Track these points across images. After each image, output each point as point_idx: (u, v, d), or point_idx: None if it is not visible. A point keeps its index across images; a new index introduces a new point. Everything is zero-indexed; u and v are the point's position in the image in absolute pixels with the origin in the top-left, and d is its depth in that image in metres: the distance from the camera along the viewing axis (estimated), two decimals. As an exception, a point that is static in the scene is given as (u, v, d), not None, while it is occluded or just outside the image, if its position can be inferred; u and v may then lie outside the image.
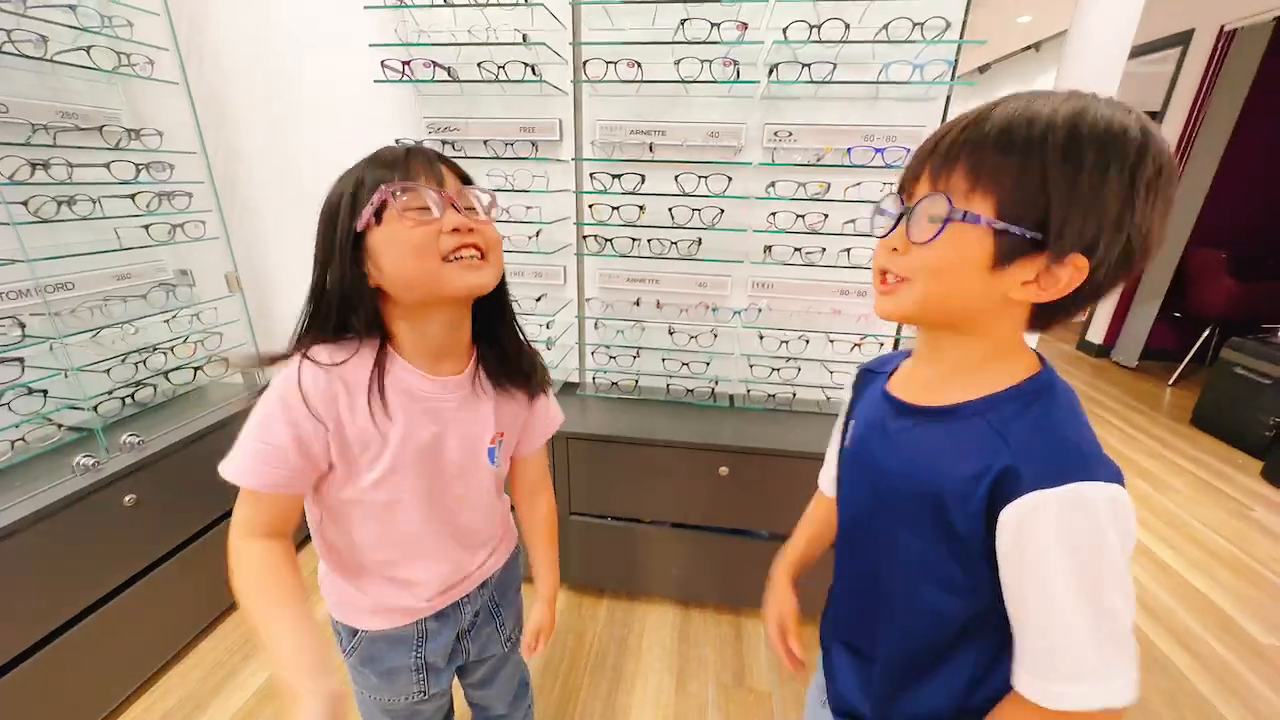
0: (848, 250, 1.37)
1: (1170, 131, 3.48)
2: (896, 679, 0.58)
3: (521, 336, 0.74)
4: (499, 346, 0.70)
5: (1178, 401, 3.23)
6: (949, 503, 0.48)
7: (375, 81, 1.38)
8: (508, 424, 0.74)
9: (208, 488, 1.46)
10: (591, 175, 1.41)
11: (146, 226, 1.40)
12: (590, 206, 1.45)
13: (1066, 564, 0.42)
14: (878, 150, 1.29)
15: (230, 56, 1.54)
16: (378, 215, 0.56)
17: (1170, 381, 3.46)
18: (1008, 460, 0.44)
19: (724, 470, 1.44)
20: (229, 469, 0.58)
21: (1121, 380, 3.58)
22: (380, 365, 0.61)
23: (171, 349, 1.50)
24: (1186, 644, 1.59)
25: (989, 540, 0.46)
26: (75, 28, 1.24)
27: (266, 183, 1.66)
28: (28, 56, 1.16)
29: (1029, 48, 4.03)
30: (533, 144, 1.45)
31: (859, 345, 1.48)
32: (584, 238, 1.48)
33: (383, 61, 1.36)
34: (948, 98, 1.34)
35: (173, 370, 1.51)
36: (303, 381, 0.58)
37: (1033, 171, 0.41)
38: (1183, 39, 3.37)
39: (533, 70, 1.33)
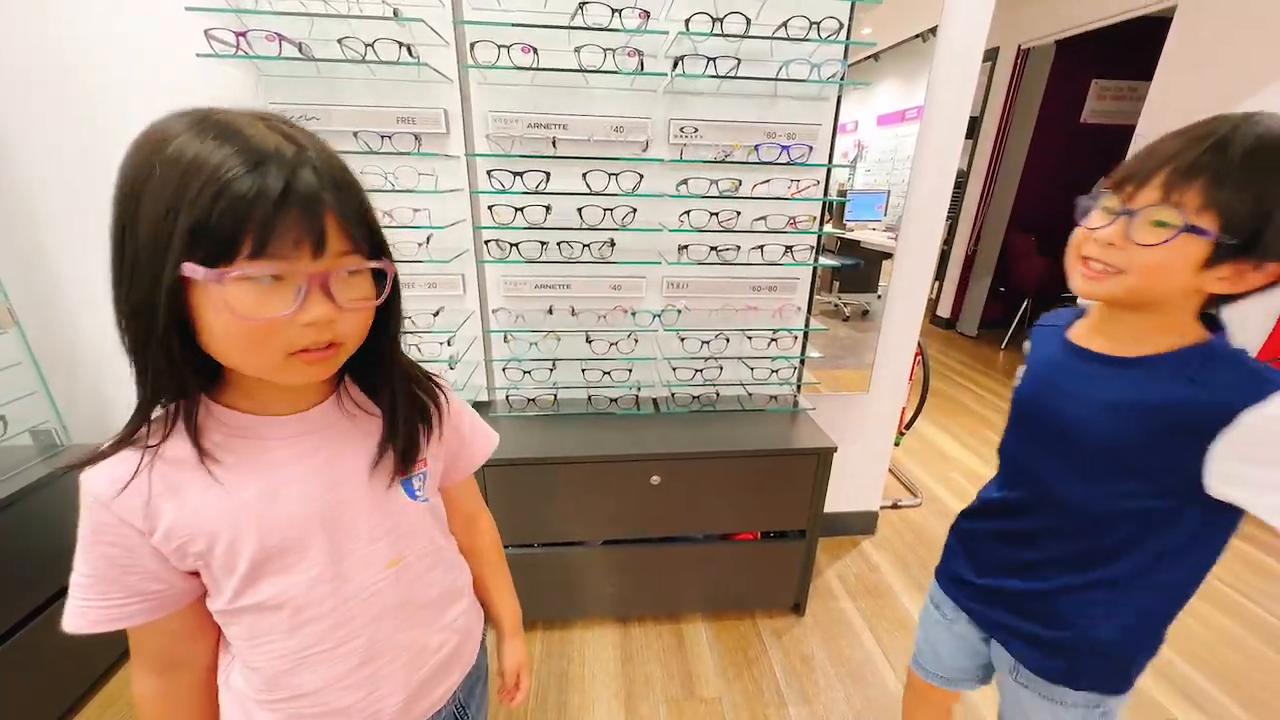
0: (760, 248, 1.37)
1: (986, 134, 4.09)
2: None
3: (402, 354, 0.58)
4: (374, 354, 0.54)
5: (1009, 363, 3.82)
6: (1133, 429, 0.59)
7: (199, 56, 1.10)
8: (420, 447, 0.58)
9: (-11, 594, 1.09)
10: (489, 173, 1.26)
11: None
12: (490, 208, 1.30)
13: None
14: (784, 148, 1.30)
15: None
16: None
17: (1002, 346, 4.09)
18: (1207, 398, 0.54)
19: (656, 479, 1.39)
20: (70, 622, 0.46)
21: (965, 347, 4.16)
22: (190, 416, 0.46)
23: (-92, 413, 1.09)
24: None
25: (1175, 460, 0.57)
26: None
27: (39, 184, 1.27)
28: None
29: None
30: (415, 137, 1.26)
31: (775, 340, 1.50)
32: (486, 243, 1.32)
33: (207, 31, 1.08)
34: (838, 98, 1.39)
35: (-87, 442, 1.10)
36: (94, 487, 0.45)
37: (1264, 198, 0.50)
38: (991, 55, 3.96)
39: (409, 51, 1.14)
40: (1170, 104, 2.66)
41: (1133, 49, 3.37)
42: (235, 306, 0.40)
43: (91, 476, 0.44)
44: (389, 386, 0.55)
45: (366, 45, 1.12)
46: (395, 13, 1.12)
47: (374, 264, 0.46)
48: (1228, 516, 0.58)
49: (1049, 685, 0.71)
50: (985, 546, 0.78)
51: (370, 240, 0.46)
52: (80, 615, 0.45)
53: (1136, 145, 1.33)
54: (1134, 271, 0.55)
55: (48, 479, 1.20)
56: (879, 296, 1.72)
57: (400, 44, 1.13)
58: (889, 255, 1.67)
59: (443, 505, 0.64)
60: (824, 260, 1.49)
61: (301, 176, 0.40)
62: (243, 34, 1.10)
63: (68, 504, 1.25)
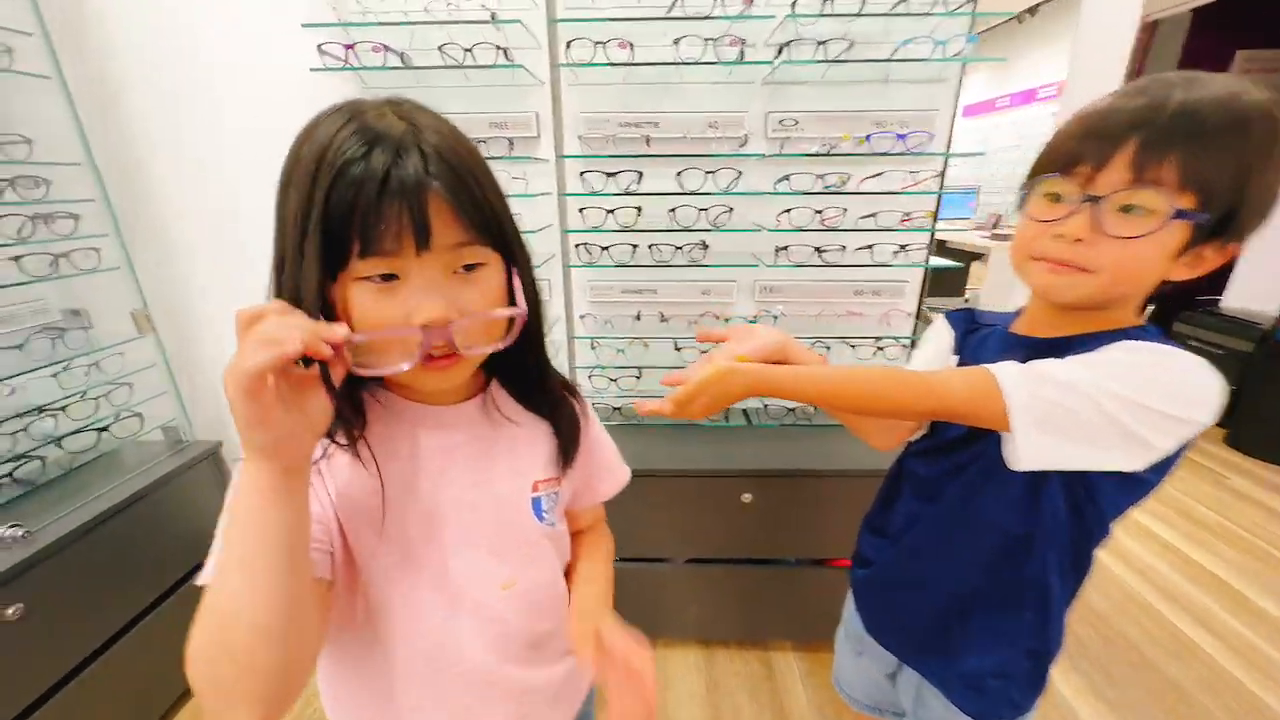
0: (869, 247, 1.25)
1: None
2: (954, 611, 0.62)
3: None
4: (520, 366, 0.52)
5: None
6: None
7: (312, 70, 1.14)
8: (557, 464, 0.55)
9: (122, 580, 1.17)
10: (582, 174, 1.22)
11: (18, 258, 1.10)
12: (581, 210, 1.26)
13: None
14: (900, 136, 1.17)
15: (119, 42, 1.25)
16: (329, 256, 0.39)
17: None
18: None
19: (747, 497, 1.29)
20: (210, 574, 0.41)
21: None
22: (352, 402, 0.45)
23: (64, 409, 1.20)
24: (1210, 626, 1.57)
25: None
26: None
27: (178, 196, 1.37)
28: None
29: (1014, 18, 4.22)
30: (508, 141, 1.25)
31: (881, 348, 1.36)
32: (575, 246, 1.29)
33: (320, 46, 1.12)
34: (960, 79, 1.25)
35: (67, 435, 1.21)
36: None
37: (1243, 167, 0.43)
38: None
39: (505, 55, 1.13)
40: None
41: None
42: (354, 311, 0.39)
43: None
44: (539, 395, 0.52)
45: (465, 50, 1.12)
46: (493, 15, 1.11)
47: (480, 253, 0.41)
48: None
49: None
50: None
51: (495, 232, 0.42)
52: None
53: None
54: (1108, 270, 0.48)
55: (176, 472, 1.29)
56: (966, 301, 1.53)
57: (497, 47, 1.12)
58: (978, 256, 1.47)
59: (567, 535, 0.59)
60: (937, 260, 1.34)
61: (405, 160, 0.37)
62: (350, 46, 1.13)
63: (193, 496, 1.34)
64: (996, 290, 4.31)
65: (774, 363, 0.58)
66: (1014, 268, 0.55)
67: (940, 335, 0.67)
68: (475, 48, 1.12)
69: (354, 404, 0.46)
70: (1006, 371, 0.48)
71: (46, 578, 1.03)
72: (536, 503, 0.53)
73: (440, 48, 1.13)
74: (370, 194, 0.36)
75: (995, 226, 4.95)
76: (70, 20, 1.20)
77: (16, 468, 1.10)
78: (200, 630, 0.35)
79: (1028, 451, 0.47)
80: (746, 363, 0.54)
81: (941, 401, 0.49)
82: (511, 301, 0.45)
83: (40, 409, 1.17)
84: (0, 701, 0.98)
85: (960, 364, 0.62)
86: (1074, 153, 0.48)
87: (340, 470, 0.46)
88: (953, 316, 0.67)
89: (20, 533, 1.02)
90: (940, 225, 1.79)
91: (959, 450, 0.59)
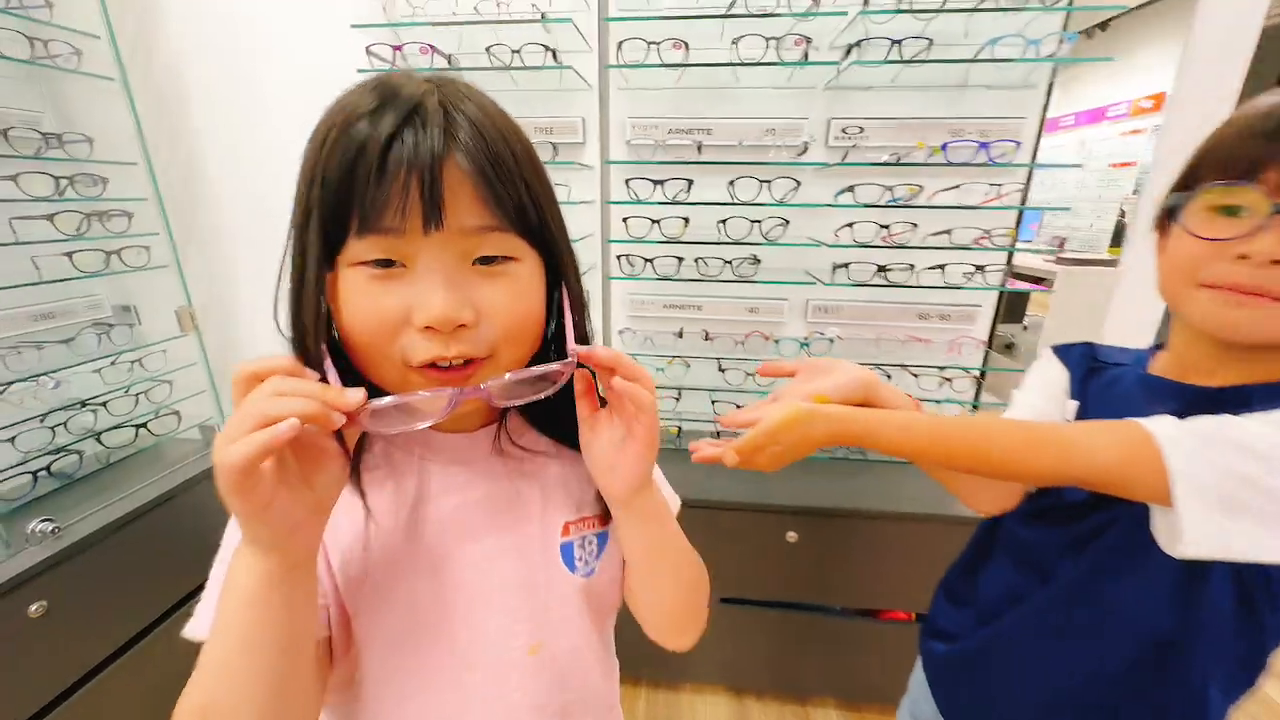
0: (940, 267, 1.12)
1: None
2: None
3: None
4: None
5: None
6: None
7: (360, 72, 1.12)
8: (592, 502, 0.46)
9: (148, 579, 1.16)
10: (628, 181, 1.16)
11: (70, 254, 1.12)
12: (625, 220, 1.20)
13: None
14: (982, 145, 1.05)
15: (179, 45, 1.28)
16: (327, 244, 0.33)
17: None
18: None
19: (792, 536, 1.18)
20: (199, 627, 0.36)
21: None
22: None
23: (105, 404, 1.21)
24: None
25: None
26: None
27: (228, 198, 1.39)
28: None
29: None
30: (553, 147, 1.20)
31: (948, 379, 1.23)
32: (617, 258, 1.22)
33: (368, 47, 1.10)
34: (1050, 84, 1.12)
35: (106, 431, 1.21)
36: None
37: None
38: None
39: (554, 56, 1.08)
40: None
41: None
42: (344, 301, 0.33)
43: None
44: (570, 423, 0.42)
45: (513, 52, 1.08)
46: (543, 15, 1.06)
47: (508, 244, 0.34)
48: None
49: None
50: None
51: (530, 222, 0.35)
52: None
53: None
54: None
55: (209, 472, 1.28)
56: (1024, 328, 1.37)
57: (546, 48, 1.07)
58: (1040, 280, 1.31)
59: (615, 583, 0.49)
60: (1019, 284, 1.20)
61: (422, 119, 0.30)
62: (398, 48, 1.10)
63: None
64: (1065, 320, 4.01)
65: (856, 405, 0.48)
66: (1167, 297, 0.44)
67: (1051, 376, 0.55)
68: (523, 49, 1.08)
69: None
70: (1167, 431, 0.37)
71: (72, 575, 1.01)
72: (567, 549, 0.45)
73: (488, 49, 1.10)
74: (372, 156, 0.30)
75: (1061, 249, 4.64)
76: (134, 26, 1.23)
77: (54, 461, 1.10)
78: (197, 710, 0.32)
79: (1198, 535, 0.36)
80: (827, 404, 0.44)
81: (1084, 467, 0.39)
82: (550, 317, 0.39)
83: (82, 403, 1.18)
84: (18, 700, 0.96)
85: (1082, 414, 0.51)
86: (1257, 156, 0.38)
87: (337, 517, 0.39)
88: (1067, 352, 0.56)
89: (50, 527, 1.01)
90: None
91: (1081, 518, 0.48)
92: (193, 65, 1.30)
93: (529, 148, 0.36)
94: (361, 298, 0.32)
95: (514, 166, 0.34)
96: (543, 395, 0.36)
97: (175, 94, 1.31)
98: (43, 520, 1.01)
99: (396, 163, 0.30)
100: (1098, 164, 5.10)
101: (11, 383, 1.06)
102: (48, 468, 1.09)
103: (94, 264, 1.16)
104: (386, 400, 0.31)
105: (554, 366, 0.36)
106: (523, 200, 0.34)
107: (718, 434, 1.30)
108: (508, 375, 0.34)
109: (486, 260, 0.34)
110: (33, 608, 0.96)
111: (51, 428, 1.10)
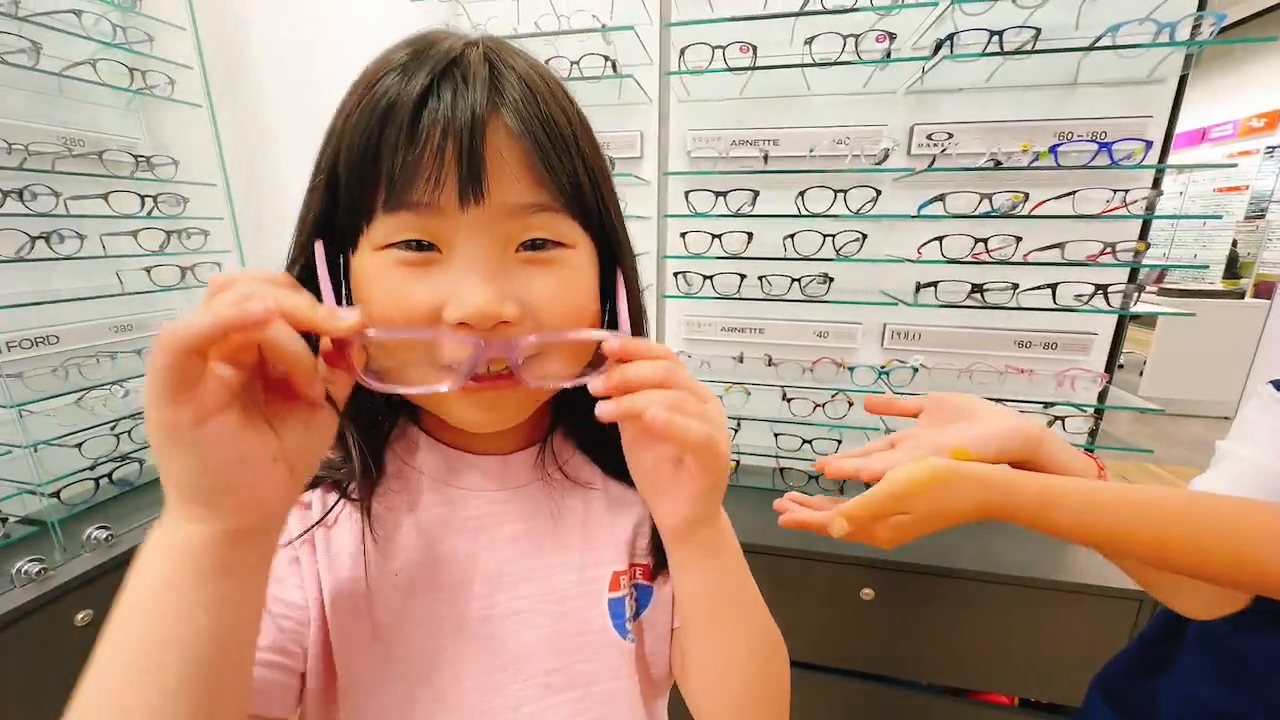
0: (1052, 286, 0.97)
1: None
2: None
3: None
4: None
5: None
6: None
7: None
8: (646, 549, 0.38)
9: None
10: (687, 194, 1.09)
11: (150, 269, 1.17)
12: (683, 235, 1.12)
13: None
14: (1103, 146, 0.91)
15: (264, 77, 1.35)
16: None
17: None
18: None
19: (868, 593, 1.02)
20: None
21: None
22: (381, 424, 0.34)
23: (169, 414, 1.24)
24: None
25: None
26: (82, 37, 1.05)
27: (295, 222, 1.43)
28: (20, 67, 0.97)
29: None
30: (610, 160, 1.15)
31: (1059, 419, 1.05)
32: (674, 275, 1.15)
33: (430, 66, 1.11)
34: (1182, 77, 0.96)
35: (168, 440, 1.24)
36: None
37: None
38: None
39: (614, 67, 1.05)
40: None
41: None
42: (367, 289, 0.28)
43: None
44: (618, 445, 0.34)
45: (572, 63, 1.05)
46: (604, 26, 1.03)
47: (560, 226, 0.29)
48: None
49: None
50: None
51: (587, 203, 0.29)
52: None
53: None
54: None
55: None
56: (1120, 366, 1.15)
57: (606, 58, 1.04)
58: (1136, 316, 1.08)
59: (663, 648, 0.39)
60: (1149, 308, 1.02)
61: (462, 75, 0.25)
62: (459, 66, 1.10)
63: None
64: (1172, 356, 3.57)
65: (1016, 466, 0.36)
66: None
67: (1277, 421, 0.41)
68: (582, 60, 1.05)
69: (373, 445, 0.33)
70: None
71: (120, 585, 1.01)
72: (616, 606, 0.36)
73: (547, 61, 1.07)
74: (402, 116, 0.25)
75: (1160, 281, 4.17)
76: (224, 57, 1.30)
77: (116, 468, 1.13)
78: None
79: None
80: (974, 463, 0.33)
81: None
82: (605, 316, 0.33)
83: (149, 412, 1.21)
84: (55, 712, 0.96)
85: None
86: None
87: (341, 544, 0.32)
88: None
89: (105, 535, 1.02)
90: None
91: None
92: (275, 96, 1.36)
93: (582, 114, 0.31)
94: (387, 285, 0.27)
95: (570, 134, 0.28)
96: (583, 381, 0.28)
97: (256, 123, 1.38)
98: (99, 527, 1.02)
99: (430, 124, 0.25)
100: (1198, 188, 4.64)
101: (88, 389, 1.11)
102: (110, 474, 1.11)
103: (171, 279, 1.21)
104: (392, 331, 0.26)
105: (600, 333, 0.28)
106: (578, 175, 0.28)
107: (815, 478, 1.16)
108: (533, 335, 0.27)
109: (534, 245, 0.28)
110: (79, 616, 0.95)
111: (117, 435, 1.13)
